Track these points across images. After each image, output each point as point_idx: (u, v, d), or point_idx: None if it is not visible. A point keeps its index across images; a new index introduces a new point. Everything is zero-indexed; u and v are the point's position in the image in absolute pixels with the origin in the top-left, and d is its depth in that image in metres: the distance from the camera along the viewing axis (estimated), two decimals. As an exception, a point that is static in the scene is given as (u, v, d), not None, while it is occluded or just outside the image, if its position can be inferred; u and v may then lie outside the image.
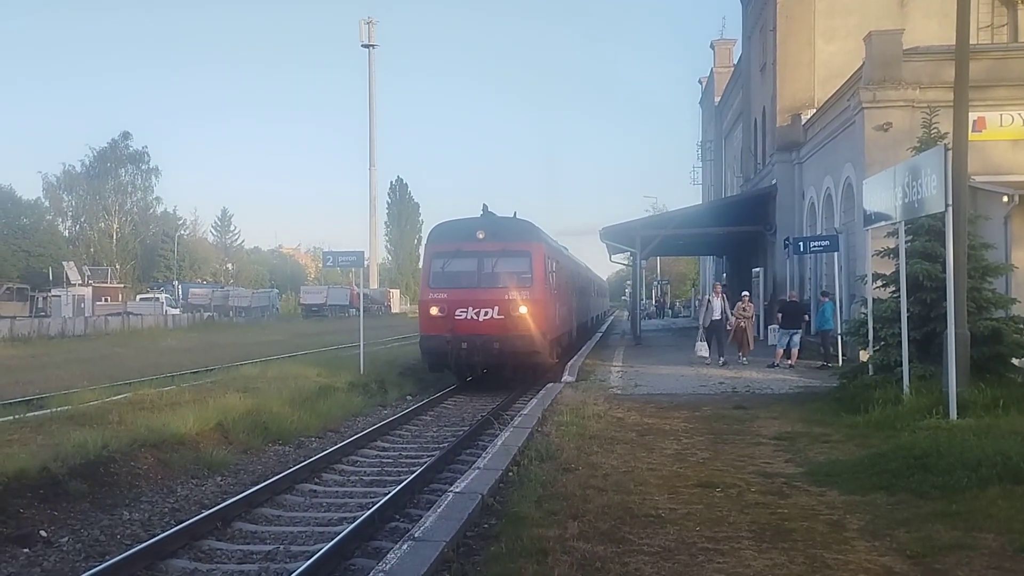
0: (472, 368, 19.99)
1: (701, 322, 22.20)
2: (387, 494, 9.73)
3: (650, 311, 62.26)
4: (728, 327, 21.90)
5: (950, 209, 10.81)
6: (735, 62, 46.00)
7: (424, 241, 21.53)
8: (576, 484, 8.28)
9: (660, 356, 24.79)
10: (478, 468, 8.93)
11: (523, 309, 18.70)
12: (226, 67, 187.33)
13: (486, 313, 18.73)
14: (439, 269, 19.64)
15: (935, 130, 13.89)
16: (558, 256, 23.67)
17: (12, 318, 48.70)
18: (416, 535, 6.46)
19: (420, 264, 22.60)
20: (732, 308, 21.85)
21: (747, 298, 22.48)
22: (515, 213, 21.37)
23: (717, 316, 21.67)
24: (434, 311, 19.13)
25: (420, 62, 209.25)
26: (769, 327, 26.11)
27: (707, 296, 22.63)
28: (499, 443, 10.33)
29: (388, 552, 6.29)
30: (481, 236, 19.42)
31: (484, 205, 20.65)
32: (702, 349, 21.87)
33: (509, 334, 18.54)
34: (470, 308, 18.82)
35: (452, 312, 18.88)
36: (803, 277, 27.32)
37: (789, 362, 20.51)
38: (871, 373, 13.72)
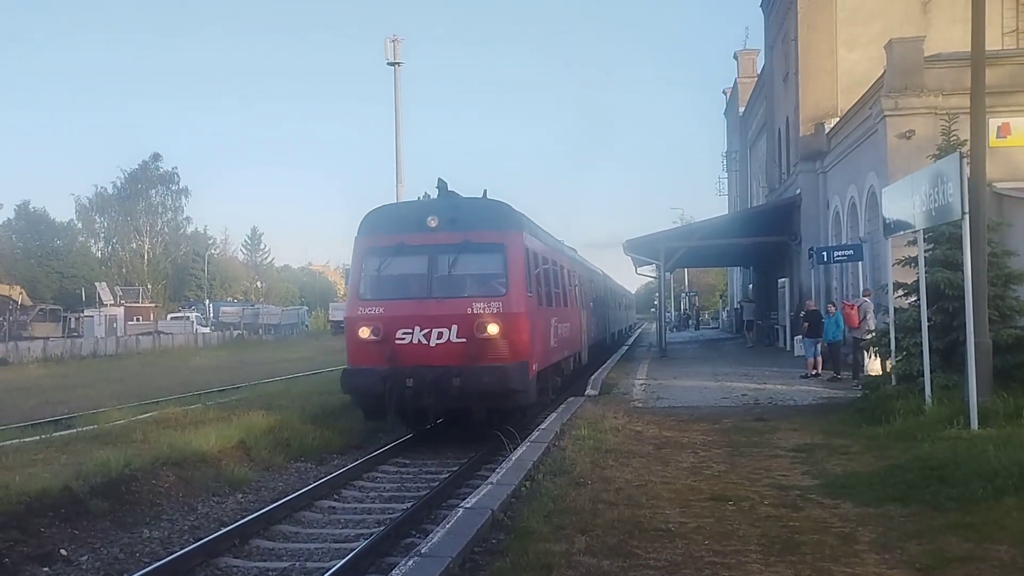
0: (422, 414, 13.90)
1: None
2: (404, 510, 9.80)
3: (674, 323, 62.54)
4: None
5: (967, 216, 10.70)
6: (758, 72, 45.87)
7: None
8: (587, 498, 8.28)
9: (685, 368, 24.63)
10: (491, 483, 8.95)
11: (493, 328, 13.28)
12: (254, 87, 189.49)
13: (440, 335, 13.33)
14: (373, 272, 14.09)
15: (955, 137, 13.77)
16: (552, 253, 17.73)
17: (45, 339, 49.70)
18: (423, 551, 6.49)
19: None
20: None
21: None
22: (485, 192, 15.22)
23: None
24: (365, 333, 13.55)
25: (445, 78, 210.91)
26: (795, 338, 25.89)
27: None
28: (514, 458, 10.34)
29: (394, 568, 6.33)
30: (433, 224, 13.85)
31: (440, 179, 14.67)
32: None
33: (474, 365, 13.06)
34: (417, 328, 13.37)
35: (391, 334, 13.42)
36: (829, 287, 27.08)
37: (816, 371, 20.35)
38: (893, 383, 13.57)
